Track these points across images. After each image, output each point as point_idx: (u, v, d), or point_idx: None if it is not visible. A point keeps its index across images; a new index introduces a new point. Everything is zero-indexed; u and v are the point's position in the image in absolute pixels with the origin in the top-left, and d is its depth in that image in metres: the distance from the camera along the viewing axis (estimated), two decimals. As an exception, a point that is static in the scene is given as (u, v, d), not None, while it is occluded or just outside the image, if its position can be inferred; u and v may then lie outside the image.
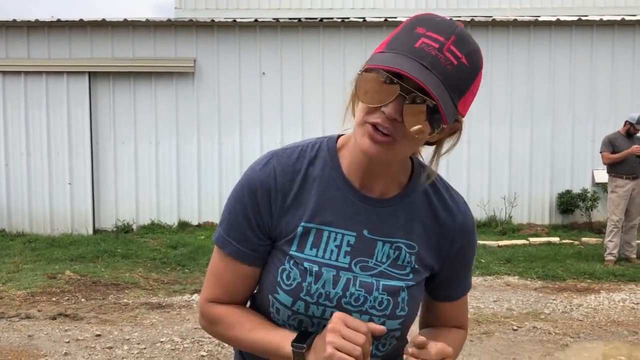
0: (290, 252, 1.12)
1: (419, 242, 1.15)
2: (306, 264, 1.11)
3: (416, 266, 1.15)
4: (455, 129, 1.09)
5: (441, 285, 1.23)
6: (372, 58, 1.02)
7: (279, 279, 1.12)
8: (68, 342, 4.71)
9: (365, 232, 1.12)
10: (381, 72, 0.98)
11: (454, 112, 1.01)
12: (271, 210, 1.13)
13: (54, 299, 5.93)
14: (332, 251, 1.11)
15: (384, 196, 1.14)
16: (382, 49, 1.03)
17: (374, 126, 1.01)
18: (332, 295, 1.10)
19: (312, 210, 1.12)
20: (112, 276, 6.79)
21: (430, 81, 0.95)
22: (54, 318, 5.30)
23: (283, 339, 1.09)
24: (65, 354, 4.46)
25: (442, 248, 1.18)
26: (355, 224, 1.12)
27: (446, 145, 1.11)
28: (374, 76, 0.99)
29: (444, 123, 1.00)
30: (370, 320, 1.10)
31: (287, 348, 1.08)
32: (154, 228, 9.60)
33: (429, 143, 1.11)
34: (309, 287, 1.10)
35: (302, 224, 1.12)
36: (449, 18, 1.06)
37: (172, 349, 4.59)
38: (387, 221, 1.13)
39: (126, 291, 6.28)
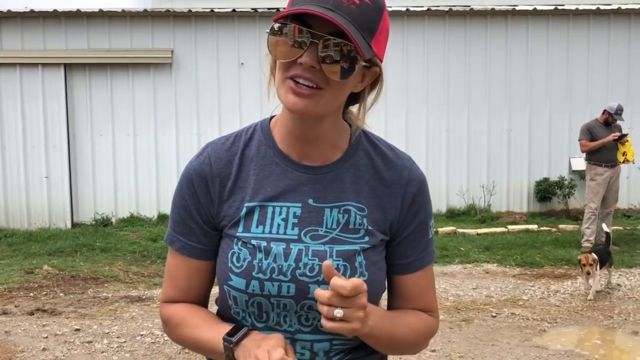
0: (237, 234, 1.10)
1: (369, 203, 1.12)
2: (254, 242, 1.08)
3: (369, 227, 1.11)
4: (375, 75, 1.08)
5: (397, 253, 1.16)
6: (279, 15, 1.01)
7: (229, 264, 1.10)
8: (46, 337, 4.66)
9: (310, 201, 1.10)
10: (289, 25, 0.98)
11: (368, 50, 1.01)
12: (211, 197, 1.13)
13: (31, 294, 5.86)
14: (279, 225, 1.09)
15: (325, 163, 1.12)
16: (288, 6, 1.03)
17: (294, 80, 1.00)
18: (285, 269, 1.07)
19: (252, 190, 1.11)
20: (91, 270, 6.73)
21: (339, 19, 0.95)
22: (32, 313, 5.23)
23: (220, 334, 1.07)
24: (44, 349, 4.41)
25: (393, 207, 1.13)
26: (299, 194, 1.10)
27: (370, 98, 1.11)
28: (281, 30, 0.99)
29: (362, 57, 0.99)
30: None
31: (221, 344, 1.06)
32: (133, 221, 9.51)
33: (353, 95, 1.10)
34: (260, 264, 1.07)
35: (245, 204, 1.11)
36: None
37: (153, 342, 4.56)
38: (331, 187, 1.11)
39: (105, 285, 6.22)
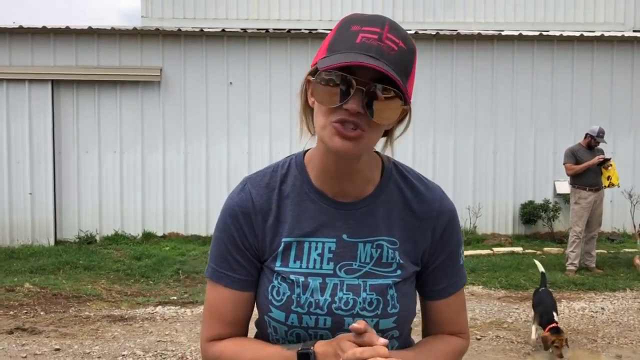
0: (276, 269, 1.15)
1: (400, 236, 1.16)
2: (292, 277, 1.13)
3: (401, 261, 1.15)
4: (405, 113, 1.13)
5: (430, 281, 1.21)
6: (321, 62, 1.05)
7: (269, 297, 1.15)
8: (25, 357, 4.57)
9: (344, 236, 1.14)
10: (334, 72, 1.02)
11: (407, 94, 1.07)
12: (255, 231, 1.17)
13: (11, 312, 5.76)
14: (315, 260, 1.13)
15: (358, 198, 1.16)
16: (324, 55, 1.07)
17: (341, 123, 1.04)
18: (321, 303, 1.11)
19: (290, 225, 1.15)
20: (73, 288, 6.64)
21: (385, 68, 1.00)
22: (11, 332, 5.14)
23: (279, 352, 1.12)
24: (22, 369, 4.33)
25: (424, 239, 1.18)
26: (334, 230, 1.14)
27: (397, 132, 1.17)
28: (327, 79, 1.03)
29: (408, 103, 1.07)
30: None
31: None
32: (117, 239, 9.42)
33: (385, 132, 1.15)
34: (298, 299, 1.12)
35: (283, 239, 1.15)
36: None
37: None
38: (364, 222, 1.15)
39: (88, 304, 6.14)
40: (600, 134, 7.64)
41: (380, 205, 1.16)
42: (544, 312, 4.74)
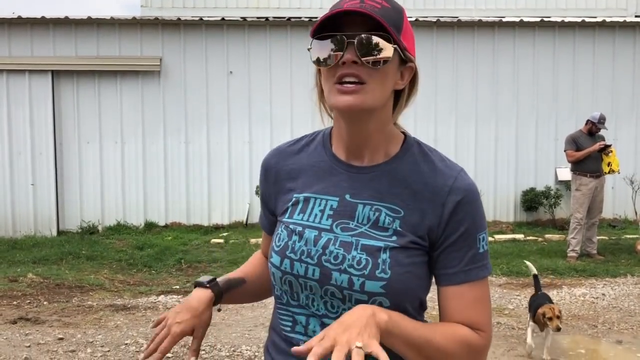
0: (282, 220, 1.24)
1: (406, 206, 1.15)
2: (292, 226, 1.20)
3: (399, 229, 1.14)
4: (412, 72, 1.17)
5: (441, 262, 1.16)
6: (315, 25, 1.11)
7: (273, 243, 1.24)
8: (29, 346, 4.60)
9: (347, 196, 1.18)
10: (325, 38, 1.08)
11: (400, 42, 1.11)
12: (271, 185, 1.31)
13: (14, 302, 5.79)
14: (316, 215, 1.19)
15: (370, 164, 1.20)
16: (317, 25, 1.12)
17: (340, 82, 1.09)
18: (312, 253, 1.16)
19: (303, 183, 1.24)
20: (76, 278, 6.67)
21: (369, 11, 1.06)
22: (15, 322, 5.17)
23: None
24: (26, 358, 4.36)
25: (433, 213, 1.14)
26: (339, 190, 1.19)
27: (411, 97, 1.20)
28: (320, 45, 1.09)
29: (400, 47, 1.10)
30: (350, 280, 1.11)
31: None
32: (120, 229, 9.46)
33: (396, 92, 1.18)
34: (293, 245, 1.18)
35: (294, 195, 1.24)
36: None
37: (137, 351, 4.52)
38: (368, 186, 1.18)
39: (90, 293, 6.17)
40: (602, 120, 7.61)
41: (390, 174, 1.18)
42: (540, 305, 4.43)
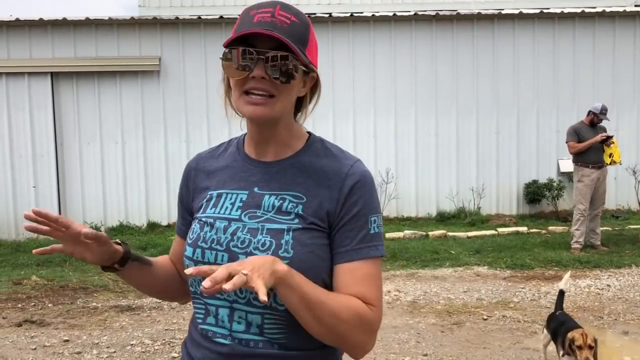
0: (196, 216, 1.35)
1: (309, 193, 1.27)
2: (204, 219, 1.31)
3: (302, 213, 1.24)
4: (314, 81, 1.30)
5: (336, 242, 1.25)
6: (228, 40, 1.21)
7: (187, 238, 1.34)
8: (35, 348, 4.60)
9: (255, 189, 1.30)
10: (237, 49, 1.19)
11: (305, 57, 1.22)
12: (189, 186, 1.41)
13: (19, 305, 5.79)
14: (227, 207, 1.30)
15: (277, 159, 1.32)
16: (230, 38, 1.23)
17: (248, 93, 1.21)
18: (222, 240, 1.26)
19: (217, 182, 1.35)
20: (80, 280, 6.67)
21: (277, 34, 1.17)
22: (20, 325, 5.17)
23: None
24: (32, 361, 4.36)
25: (331, 197, 1.26)
26: (249, 184, 1.31)
27: (312, 101, 1.33)
28: (231, 55, 1.20)
29: (303, 65, 1.22)
30: None
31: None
32: (122, 230, 9.45)
33: (298, 99, 1.30)
34: (204, 235, 1.28)
35: (209, 193, 1.35)
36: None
37: (143, 352, 4.52)
38: (274, 178, 1.30)
39: (95, 295, 6.17)
40: (603, 111, 7.59)
41: (294, 166, 1.30)
42: (569, 331, 3.54)
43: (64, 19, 9.36)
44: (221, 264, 1.18)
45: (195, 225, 1.32)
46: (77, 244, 1.29)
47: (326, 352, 1.29)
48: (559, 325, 3.75)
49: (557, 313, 3.99)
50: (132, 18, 9.56)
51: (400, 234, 8.80)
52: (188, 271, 1.08)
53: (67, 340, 4.76)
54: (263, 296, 1.00)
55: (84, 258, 1.30)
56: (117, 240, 1.35)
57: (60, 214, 9.41)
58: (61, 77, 9.54)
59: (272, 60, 1.18)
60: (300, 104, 1.34)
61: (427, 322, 5.15)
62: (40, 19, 9.33)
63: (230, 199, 1.30)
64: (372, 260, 1.25)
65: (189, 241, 1.31)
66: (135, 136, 9.68)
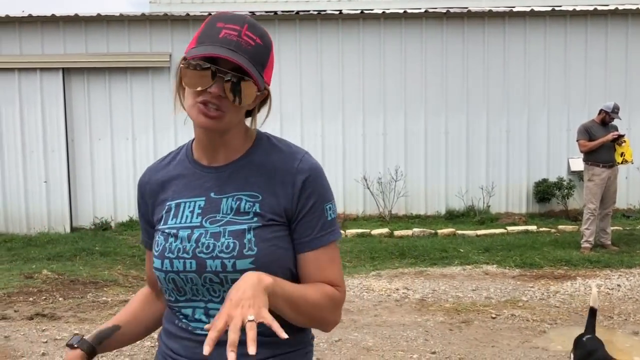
0: (158, 228, 1.38)
1: (263, 191, 1.32)
2: (167, 230, 1.34)
3: (259, 211, 1.30)
4: (265, 96, 1.35)
5: (298, 233, 1.32)
6: (189, 52, 1.25)
7: (153, 250, 1.37)
8: (46, 342, 4.65)
9: (212, 194, 1.33)
10: (200, 61, 1.22)
11: (262, 81, 1.28)
12: (147, 200, 1.44)
13: (30, 298, 5.85)
14: (187, 216, 1.33)
15: (228, 162, 1.36)
16: (194, 45, 1.27)
17: (204, 104, 1.24)
18: (187, 248, 1.29)
19: (173, 192, 1.38)
20: (90, 274, 6.72)
21: (240, 59, 1.22)
22: (31, 318, 5.23)
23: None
24: (43, 354, 4.40)
25: (285, 192, 1.32)
26: (203, 190, 1.34)
27: (262, 113, 1.38)
28: (194, 65, 1.23)
29: (258, 89, 1.27)
30: (222, 263, 1.25)
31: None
32: (132, 225, 9.51)
33: (248, 112, 1.36)
34: (170, 246, 1.31)
35: (167, 204, 1.38)
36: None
37: (152, 346, 4.56)
38: (228, 181, 1.34)
39: (105, 289, 6.22)
40: (615, 109, 7.54)
41: (245, 167, 1.34)
42: None
43: (76, 15, 9.42)
44: (190, 270, 1.28)
45: (159, 237, 1.35)
46: None
47: (300, 334, 1.36)
48: (587, 356, 3.12)
49: (585, 338, 3.24)
50: (143, 14, 9.60)
51: (409, 232, 8.80)
52: (206, 350, 1.08)
53: (77, 334, 4.79)
54: (283, 334, 1.06)
55: None
56: (74, 344, 1.44)
57: (71, 209, 9.52)
58: (72, 73, 9.60)
59: (230, 82, 1.23)
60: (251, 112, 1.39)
61: (436, 320, 5.15)
62: (52, 15, 9.39)
63: (189, 207, 1.34)
64: (332, 244, 1.35)
65: (156, 253, 1.34)
66: (145, 132, 9.73)
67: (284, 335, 1.05)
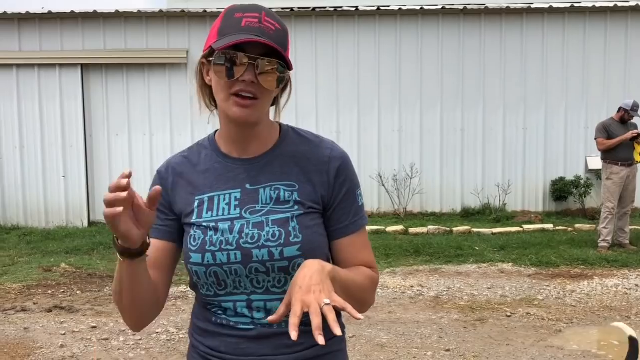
0: (192, 221, 1.34)
1: (298, 180, 1.34)
2: (205, 224, 1.32)
3: (299, 199, 1.32)
4: (287, 81, 1.35)
5: (334, 219, 1.36)
6: (216, 44, 1.25)
7: (189, 246, 1.32)
8: (64, 334, 4.72)
9: (247, 185, 1.34)
10: (228, 52, 1.23)
11: (289, 63, 1.29)
12: (171, 191, 1.39)
13: (49, 291, 5.94)
14: (223, 208, 1.32)
15: (259, 154, 1.37)
16: (215, 39, 1.27)
17: (238, 95, 1.25)
18: (231, 240, 1.29)
19: (201, 185, 1.36)
20: (107, 268, 6.80)
21: (269, 41, 1.23)
22: (50, 310, 5.31)
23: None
24: (62, 345, 4.48)
25: (320, 180, 1.35)
26: (238, 182, 1.34)
27: (283, 100, 1.39)
28: (223, 58, 1.24)
29: (290, 69, 1.29)
30: (269, 252, 1.26)
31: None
32: (149, 220, 9.58)
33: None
34: (211, 239, 1.29)
35: (196, 198, 1.35)
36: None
37: (168, 340, 4.61)
38: (263, 172, 1.35)
39: (122, 283, 6.28)
40: (635, 107, 7.45)
41: (278, 158, 1.36)
42: None
43: (95, 11, 9.51)
44: (235, 262, 1.27)
45: (196, 232, 1.32)
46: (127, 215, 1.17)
47: (340, 319, 1.36)
48: None
49: None
50: (161, 11, 9.67)
51: (424, 229, 8.77)
52: (272, 319, 1.13)
53: (94, 327, 4.87)
54: (358, 314, 1.08)
55: (130, 230, 1.15)
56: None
57: (88, 203, 9.61)
58: (91, 69, 9.70)
59: (262, 65, 1.24)
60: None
61: (450, 317, 5.14)
62: (72, 12, 9.49)
63: (225, 199, 1.33)
64: (363, 229, 1.40)
65: (193, 248, 1.30)
66: (162, 127, 9.80)
67: (359, 315, 1.08)
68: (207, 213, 1.33)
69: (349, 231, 1.37)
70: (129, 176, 1.15)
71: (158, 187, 1.18)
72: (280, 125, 1.43)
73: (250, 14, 1.27)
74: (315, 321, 1.05)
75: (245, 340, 1.30)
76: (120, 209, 1.13)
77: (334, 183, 1.35)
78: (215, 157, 1.39)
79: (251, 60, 1.23)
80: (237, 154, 1.37)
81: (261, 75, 1.24)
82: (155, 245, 1.34)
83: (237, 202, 1.32)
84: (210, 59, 1.26)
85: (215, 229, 1.30)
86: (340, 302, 1.09)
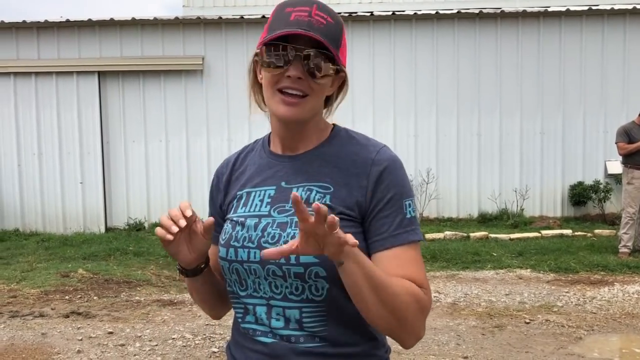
0: (227, 217, 1.35)
1: (335, 182, 1.25)
2: (235, 219, 1.31)
3: (329, 203, 1.23)
4: (342, 80, 1.31)
5: (372, 229, 1.22)
6: (269, 38, 1.21)
7: (220, 239, 1.33)
8: (81, 339, 4.74)
9: (283, 183, 1.30)
10: (275, 45, 1.19)
11: (339, 59, 1.24)
12: (224, 188, 1.41)
13: (67, 297, 5.97)
14: (256, 205, 1.30)
15: (303, 152, 1.32)
16: (265, 35, 1.24)
17: (283, 92, 1.21)
18: (253, 237, 1.25)
19: (245, 181, 1.36)
20: (124, 274, 6.83)
21: (315, 35, 1.18)
22: (67, 316, 5.34)
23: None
24: (79, 351, 4.49)
25: (358, 184, 1.24)
26: (275, 179, 1.31)
27: (338, 99, 1.34)
28: (269, 52, 1.20)
29: (339, 63, 1.23)
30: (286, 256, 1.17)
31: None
32: (165, 226, 9.63)
33: (326, 97, 1.31)
34: (236, 235, 1.28)
35: (237, 192, 1.36)
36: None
37: (184, 346, 4.60)
38: (300, 170, 1.29)
39: (138, 289, 6.31)
40: (655, 111, 7.33)
41: (319, 157, 1.29)
42: None
43: (111, 19, 9.61)
44: (254, 261, 1.23)
45: (227, 226, 1.31)
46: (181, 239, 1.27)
47: (371, 346, 1.26)
48: None
49: None
50: (177, 18, 9.74)
51: (440, 235, 8.70)
52: (293, 198, 1.03)
53: (111, 333, 4.88)
54: (353, 240, 1.03)
55: (178, 254, 1.28)
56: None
57: (105, 209, 9.70)
58: (108, 76, 9.79)
59: (309, 59, 1.19)
60: (326, 101, 1.34)
61: (468, 324, 5.07)
62: (89, 20, 9.60)
63: (259, 195, 1.31)
64: (414, 244, 1.22)
65: (222, 242, 1.30)
66: (178, 134, 9.85)
67: (353, 240, 1.02)
68: (241, 208, 1.31)
69: (387, 244, 1.20)
70: (186, 215, 1.21)
71: (211, 219, 1.23)
72: (335, 126, 1.37)
73: (301, 8, 1.22)
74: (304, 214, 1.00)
75: (260, 355, 1.25)
76: (170, 237, 1.21)
77: (374, 188, 1.22)
78: (263, 154, 1.38)
79: (298, 52, 1.18)
80: (282, 151, 1.34)
81: (309, 69, 1.19)
82: (213, 252, 1.37)
83: (269, 200, 1.29)
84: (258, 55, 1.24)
85: (243, 225, 1.27)
86: (339, 233, 1.02)
